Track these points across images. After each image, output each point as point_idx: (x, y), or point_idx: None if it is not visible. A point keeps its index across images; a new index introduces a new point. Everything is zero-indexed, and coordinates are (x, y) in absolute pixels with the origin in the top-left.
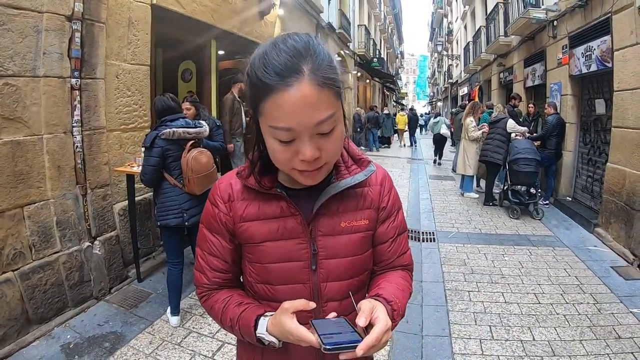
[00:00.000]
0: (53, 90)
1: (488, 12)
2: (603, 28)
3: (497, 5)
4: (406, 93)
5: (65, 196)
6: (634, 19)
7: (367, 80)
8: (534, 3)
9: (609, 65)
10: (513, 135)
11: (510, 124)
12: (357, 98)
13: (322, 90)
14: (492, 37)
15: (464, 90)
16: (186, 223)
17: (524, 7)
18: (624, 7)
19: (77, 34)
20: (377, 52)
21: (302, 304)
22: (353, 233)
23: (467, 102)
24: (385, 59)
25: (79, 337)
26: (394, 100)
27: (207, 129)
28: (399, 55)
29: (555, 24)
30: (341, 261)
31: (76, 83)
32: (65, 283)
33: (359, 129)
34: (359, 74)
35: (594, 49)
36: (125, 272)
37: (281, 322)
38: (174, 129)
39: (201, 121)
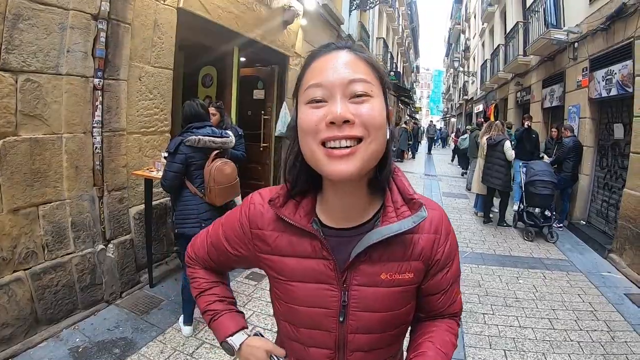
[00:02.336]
0: (75, 89)
1: (507, 30)
2: (625, 52)
3: (517, 24)
4: (420, 107)
5: (81, 197)
6: None
7: None
8: (555, 24)
9: (630, 90)
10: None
11: (506, 145)
12: None
13: (360, 59)
14: (511, 56)
15: (479, 107)
16: None
17: (545, 27)
18: None
19: (102, 34)
20: (394, 66)
21: (280, 353)
22: (394, 287)
23: (483, 119)
24: (402, 73)
25: (88, 341)
26: (407, 115)
27: (233, 140)
28: (415, 70)
29: (576, 46)
30: (374, 315)
31: (99, 83)
32: (76, 285)
33: None
34: None
35: (615, 73)
36: (138, 276)
37: (257, 355)
38: (200, 137)
39: (228, 131)
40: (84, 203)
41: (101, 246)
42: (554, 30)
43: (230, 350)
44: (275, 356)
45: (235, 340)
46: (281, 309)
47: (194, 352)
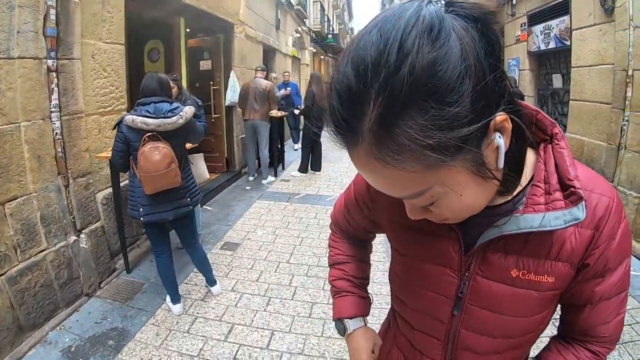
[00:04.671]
0: (29, 73)
1: None
2: (562, 8)
3: None
4: None
5: (47, 188)
6: (592, 2)
7: (322, 57)
8: None
9: (567, 43)
10: None
11: None
12: None
13: (391, 167)
14: None
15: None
16: (141, 218)
17: None
18: None
19: (52, 11)
20: (331, 29)
21: None
22: (526, 289)
23: None
24: (338, 35)
25: (79, 339)
26: None
27: (183, 120)
28: (350, 32)
29: (514, 3)
30: (495, 316)
31: (53, 64)
32: (54, 282)
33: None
34: (314, 51)
35: (553, 28)
36: (113, 264)
37: (360, 356)
38: (134, 117)
39: (180, 110)
40: (51, 194)
41: (73, 237)
42: None
43: (342, 330)
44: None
45: (352, 324)
46: (395, 281)
47: (189, 328)
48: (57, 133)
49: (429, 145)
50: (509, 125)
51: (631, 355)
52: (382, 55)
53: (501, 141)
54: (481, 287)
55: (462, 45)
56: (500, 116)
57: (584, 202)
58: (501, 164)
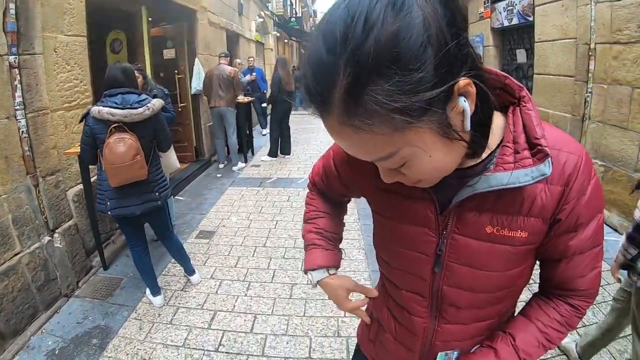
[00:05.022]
0: None
1: None
2: None
3: None
4: None
5: (17, 189)
6: None
7: (286, 41)
8: None
9: (531, 19)
10: None
11: None
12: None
13: (364, 129)
14: None
15: None
16: (109, 212)
17: None
18: None
19: (12, 5)
20: (294, 12)
21: (361, 302)
22: (501, 244)
23: None
24: (302, 18)
25: (62, 341)
26: None
27: (150, 112)
28: (313, 14)
29: None
30: (474, 272)
31: (15, 60)
32: (32, 286)
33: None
34: (278, 35)
35: (516, 4)
36: (89, 262)
37: (336, 293)
38: (100, 108)
39: (148, 101)
40: (21, 195)
41: (47, 238)
42: None
43: (312, 282)
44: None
45: (315, 275)
46: (378, 244)
47: (172, 319)
48: (23, 131)
49: (395, 108)
50: (472, 90)
51: (605, 315)
52: (350, 29)
53: (466, 104)
54: (459, 244)
55: (424, 16)
56: (463, 80)
57: (549, 158)
58: (467, 126)
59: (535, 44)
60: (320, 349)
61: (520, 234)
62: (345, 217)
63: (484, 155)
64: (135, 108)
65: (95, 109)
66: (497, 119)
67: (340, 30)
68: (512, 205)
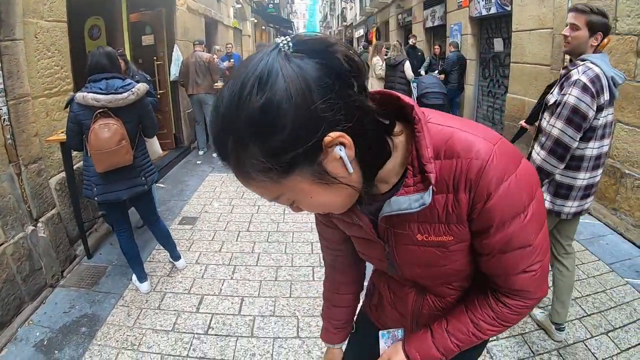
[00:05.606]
0: None
1: None
2: None
3: None
4: None
5: (0, 178)
6: None
7: (263, 27)
8: None
9: (508, 8)
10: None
11: (406, 65)
12: (255, 46)
13: (251, 182)
14: None
15: (359, 32)
16: (95, 198)
17: None
18: None
19: None
20: None
21: None
22: (433, 247)
23: (365, 42)
24: (279, 5)
25: (50, 331)
26: None
27: (134, 96)
28: (290, 1)
29: None
30: (423, 268)
31: None
32: (17, 277)
33: None
34: (255, 21)
35: None
36: (73, 251)
37: (327, 357)
38: (84, 94)
39: (133, 86)
40: (4, 184)
41: (31, 227)
42: None
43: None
44: None
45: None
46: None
47: (160, 304)
48: (4, 119)
49: (266, 168)
50: (347, 140)
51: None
52: (229, 107)
53: (342, 153)
54: (400, 250)
55: (286, 87)
56: (331, 135)
57: (431, 187)
58: (350, 170)
59: (513, 33)
60: (307, 328)
61: (446, 237)
62: None
63: (395, 180)
64: (120, 93)
65: (79, 95)
66: (406, 135)
67: (223, 110)
68: (430, 216)
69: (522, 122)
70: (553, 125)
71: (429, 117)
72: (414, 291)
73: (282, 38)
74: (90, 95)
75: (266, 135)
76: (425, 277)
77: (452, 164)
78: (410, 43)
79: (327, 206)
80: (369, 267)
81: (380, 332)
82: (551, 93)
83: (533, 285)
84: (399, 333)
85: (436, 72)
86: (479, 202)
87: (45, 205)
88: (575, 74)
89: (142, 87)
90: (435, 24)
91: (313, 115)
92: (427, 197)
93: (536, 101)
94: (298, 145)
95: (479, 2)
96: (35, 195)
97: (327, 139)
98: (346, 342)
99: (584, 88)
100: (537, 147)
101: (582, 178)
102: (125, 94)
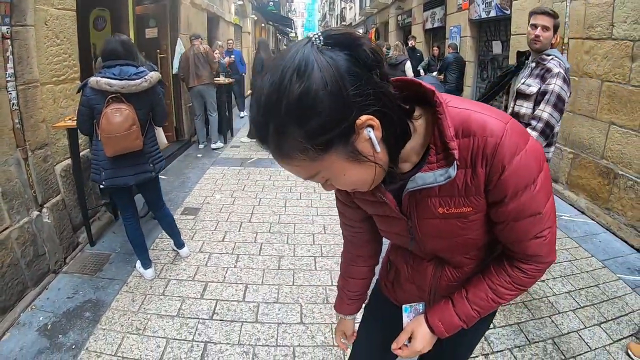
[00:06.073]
0: None
1: None
2: None
3: None
4: (297, 36)
5: (7, 162)
6: None
7: (263, 25)
8: None
9: (508, 12)
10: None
11: (407, 65)
12: (255, 43)
13: (290, 161)
14: None
15: (359, 32)
16: (103, 183)
17: None
18: None
19: None
20: None
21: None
22: (454, 219)
23: None
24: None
25: (53, 316)
26: (284, 45)
27: (147, 84)
28: None
29: None
30: (444, 241)
31: (7, 31)
32: (21, 261)
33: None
34: (255, 18)
35: None
36: (76, 238)
37: (337, 329)
38: (98, 78)
39: (146, 74)
40: (11, 168)
41: (36, 213)
42: None
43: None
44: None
45: (337, 315)
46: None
47: (164, 290)
48: (13, 104)
49: (305, 148)
50: (375, 122)
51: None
52: (270, 94)
53: (371, 134)
54: (422, 223)
55: (322, 75)
56: (363, 118)
57: (455, 162)
58: (378, 149)
59: (511, 36)
60: (311, 314)
61: (466, 209)
62: (328, 195)
63: (418, 160)
64: (133, 79)
65: (93, 80)
66: (426, 124)
67: (264, 97)
68: (450, 189)
69: None
70: (543, 110)
71: (448, 100)
72: (433, 264)
73: (313, 33)
74: (104, 80)
75: (305, 119)
76: (446, 248)
77: (469, 142)
78: (410, 45)
79: (357, 183)
80: (385, 243)
81: (403, 307)
82: (524, 83)
83: (545, 249)
84: (420, 307)
85: (435, 72)
86: (494, 175)
87: (50, 191)
88: (555, 67)
89: (154, 75)
90: (435, 25)
91: (346, 100)
92: (452, 171)
93: (489, 87)
94: (334, 128)
95: (478, 5)
96: (40, 180)
97: (358, 121)
98: (360, 317)
99: (564, 79)
100: (528, 129)
101: (552, 152)
102: (138, 81)
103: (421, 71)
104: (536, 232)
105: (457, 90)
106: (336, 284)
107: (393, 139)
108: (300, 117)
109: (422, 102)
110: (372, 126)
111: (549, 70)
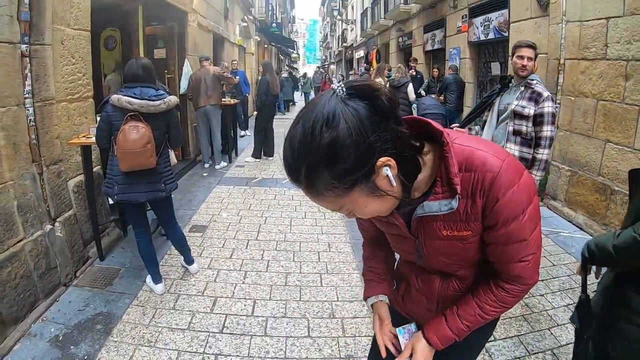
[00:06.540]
0: (5, 58)
1: None
2: (501, 3)
3: None
4: (298, 56)
5: (23, 176)
6: None
7: (266, 46)
8: None
9: (506, 34)
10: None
11: (410, 88)
12: (258, 63)
13: (320, 197)
14: (392, 4)
15: (360, 53)
16: (115, 196)
17: None
18: None
19: None
20: (275, 17)
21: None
22: (457, 240)
23: (365, 64)
24: (282, 24)
25: (65, 327)
26: (287, 65)
27: (165, 106)
28: (291, 20)
29: None
30: (444, 259)
31: (26, 49)
32: (34, 273)
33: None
34: (258, 39)
35: (492, 20)
36: (86, 252)
37: (374, 316)
38: (119, 96)
39: (165, 96)
40: (27, 182)
41: (49, 226)
42: None
43: (367, 305)
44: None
45: (369, 300)
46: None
47: (174, 305)
48: (30, 120)
49: (334, 187)
50: (392, 162)
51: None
52: (302, 141)
53: (388, 172)
54: (428, 243)
55: (348, 126)
56: (382, 159)
57: (457, 195)
58: (394, 184)
59: (509, 57)
60: (318, 329)
61: (466, 232)
62: (332, 215)
63: (426, 189)
64: (153, 100)
65: (114, 97)
66: (434, 158)
67: (297, 143)
68: (453, 216)
69: (456, 126)
70: (546, 130)
71: (454, 138)
72: (439, 277)
73: (337, 84)
74: (125, 98)
75: (334, 164)
76: (449, 264)
77: (471, 176)
78: (411, 72)
79: (376, 212)
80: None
81: (397, 329)
82: (518, 105)
83: (528, 272)
84: (413, 327)
85: (434, 95)
86: (490, 205)
87: (63, 205)
88: (544, 92)
89: (173, 98)
90: (435, 47)
91: (368, 147)
92: (455, 203)
93: (476, 106)
94: (358, 170)
95: (477, 28)
96: (54, 195)
97: (378, 163)
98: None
99: (552, 99)
100: (541, 149)
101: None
102: (157, 102)
103: (422, 92)
104: (521, 256)
105: (457, 111)
106: (342, 298)
107: (406, 174)
108: (329, 162)
109: (430, 137)
110: (389, 165)
111: (540, 94)
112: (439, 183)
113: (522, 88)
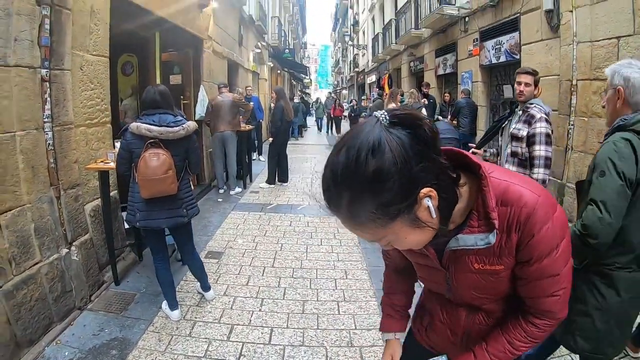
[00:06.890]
0: (25, 82)
1: (399, 5)
2: (512, 25)
3: (408, 0)
4: (310, 82)
5: (40, 200)
6: (540, 20)
7: (279, 71)
8: (446, 0)
9: (517, 57)
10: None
11: (423, 113)
12: (271, 89)
13: (361, 227)
14: (403, 29)
15: (372, 78)
16: (137, 224)
17: (438, 3)
18: (532, 9)
19: (47, 20)
20: (287, 43)
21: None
22: (488, 275)
23: (377, 89)
24: (294, 49)
25: (79, 352)
26: (299, 90)
27: (184, 132)
28: (303, 46)
29: (466, 20)
30: (474, 292)
31: (46, 74)
32: (49, 296)
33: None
34: (272, 65)
35: (504, 43)
36: (101, 276)
37: (385, 352)
38: (139, 124)
39: (183, 122)
40: (44, 205)
41: (65, 250)
42: (446, 6)
43: (382, 339)
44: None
45: (385, 335)
46: (420, 277)
47: (190, 332)
48: (49, 144)
49: (376, 217)
50: (434, 193)
51: None
52: (346, 169)
53: (429, 203)
54: (459, 276)
55: (393, 155)
56: (424, 190)
57: (495, 230)
58: (434, 215)
59: None
60: (336, 357)
61: (498, 267)
62: (348, 241)
63: (461, 221)
64: (172, 127)
65: (134, 125)
66: (470, 190)
67: (341, 170)
68: (487, 250)
69: (473, 147)
70: (539, 150)
71: (491, 171)
72: (466, 310)
73: (380, 112)
74: (144, 125)
75: (379, 192)
76: (478, 298)
77: (506, 211)
78: (423, 102)
79: (415, 243)
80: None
81: None
82: (514, 128)
83: (557, 307)
84: (443, 359)
85: (447, 119)
86: (525, 240)
87: (79, 230)
88: (538, 113)
89: (192, 124)
90: (447, 71)
91: (412, 177)
92: (492, 238)
93: (487, 130)
94: (402, 200)
95: (489, 51)
96: (71, 219)
97: (420, 193)
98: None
99: (546, 120)
100: (535, 169)
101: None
102: (176, 128)
103: (439, 117)
104: (553, 291)
105: (471, 135)
106: (360, 326)
107: (445, 205)
108: (374, 190)
109: (465, 169)
110: (430, 196)
111: (532, 116)
112: (475, 216)
113: (520, 112)
